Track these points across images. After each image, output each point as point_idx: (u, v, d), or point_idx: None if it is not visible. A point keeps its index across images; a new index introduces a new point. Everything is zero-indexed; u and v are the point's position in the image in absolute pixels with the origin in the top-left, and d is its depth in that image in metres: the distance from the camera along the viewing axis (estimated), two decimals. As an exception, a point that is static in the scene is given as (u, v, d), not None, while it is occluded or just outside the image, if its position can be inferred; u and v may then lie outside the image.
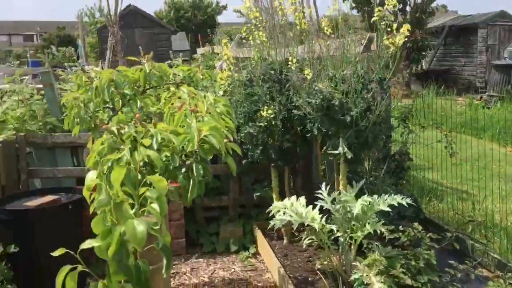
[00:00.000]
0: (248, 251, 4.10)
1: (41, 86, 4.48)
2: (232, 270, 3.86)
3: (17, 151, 3.90)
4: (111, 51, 7.98)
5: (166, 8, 32.52)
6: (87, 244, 1.41)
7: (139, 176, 1.53)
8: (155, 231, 1.39)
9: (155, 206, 1.44)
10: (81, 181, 4.18)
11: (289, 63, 3.38)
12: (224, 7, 34.71)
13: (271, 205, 3.52)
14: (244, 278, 3.71)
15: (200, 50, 15.01)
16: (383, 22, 2.94)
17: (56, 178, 4.09)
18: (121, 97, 2.60)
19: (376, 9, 2.94)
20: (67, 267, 1.44)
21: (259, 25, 3.62)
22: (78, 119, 2.58)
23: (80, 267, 1.45)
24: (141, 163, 1.66)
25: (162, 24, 22.72)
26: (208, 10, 32.69)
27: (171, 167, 1.74)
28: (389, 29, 2.97)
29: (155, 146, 1.67)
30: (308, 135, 3.46)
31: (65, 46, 24.13)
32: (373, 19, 2.97)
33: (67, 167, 4.13)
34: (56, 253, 1.43)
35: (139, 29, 20.16)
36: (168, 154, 1.79)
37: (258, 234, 4.08)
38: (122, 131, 1.73)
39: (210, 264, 3.96)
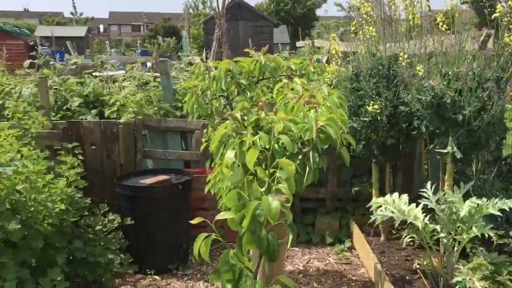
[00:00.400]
0: (343, 244, 4.12)
1: (157, 74, 4.83)
2: (327, 261, 3.91)
3: (135, 133, 4.25)
4: (217, 43, 8.31)
5: (267, 0, 33.04)
6: (221, 215, 1.56)
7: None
8: (285, 209, 1.50)
9: (285, 186, 1.55)
10: (188, 163, 4.46)
11: (399, 58, 3.34)
12: (324, 0, 34.48)
13: (368, 201, 3.53)
14: (339, 270, 3.75)
15: (299, 43, 15.10)
16: (505, 19, 2.81)
17: (166, 160, 4.40)
18: (237, 86, 2.75)
19: (498, 5, 2.82)
20: (203, 235, 1.62)
21: (370, 20, 3.61)
22: (196, 105, 2.77)
23: (213, 235, 1.62)
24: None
25: (265, 17, 23.10)
26: (307, 3, 32.69)
27: (287, 154, 1.84)
28: (511, 26, 2.84)
29: (276, 133, 1.78)
30: (413, 133, 3.40)
31: (169, 37, 25.46)
32: (495, 15, 2.85)
33: (177, 150, 4.42)
34: (195, 221, 1.61)
35: (243, 21, 20.66)
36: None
37: (355, 228, 4.09)
38: (245, 118, 1.87)
39: (305, 254, 4.05)
